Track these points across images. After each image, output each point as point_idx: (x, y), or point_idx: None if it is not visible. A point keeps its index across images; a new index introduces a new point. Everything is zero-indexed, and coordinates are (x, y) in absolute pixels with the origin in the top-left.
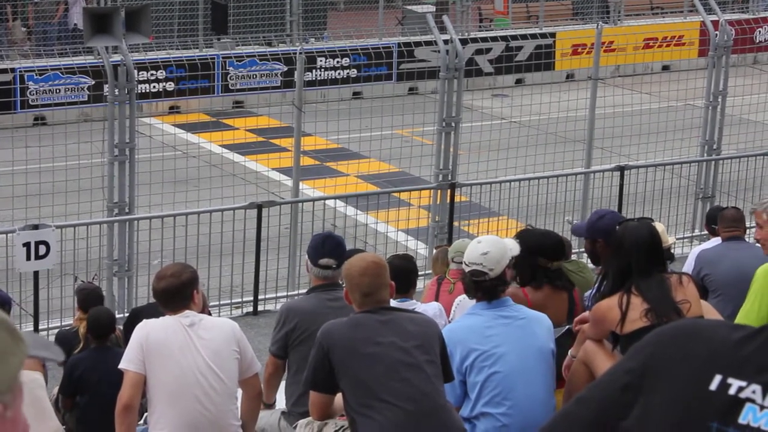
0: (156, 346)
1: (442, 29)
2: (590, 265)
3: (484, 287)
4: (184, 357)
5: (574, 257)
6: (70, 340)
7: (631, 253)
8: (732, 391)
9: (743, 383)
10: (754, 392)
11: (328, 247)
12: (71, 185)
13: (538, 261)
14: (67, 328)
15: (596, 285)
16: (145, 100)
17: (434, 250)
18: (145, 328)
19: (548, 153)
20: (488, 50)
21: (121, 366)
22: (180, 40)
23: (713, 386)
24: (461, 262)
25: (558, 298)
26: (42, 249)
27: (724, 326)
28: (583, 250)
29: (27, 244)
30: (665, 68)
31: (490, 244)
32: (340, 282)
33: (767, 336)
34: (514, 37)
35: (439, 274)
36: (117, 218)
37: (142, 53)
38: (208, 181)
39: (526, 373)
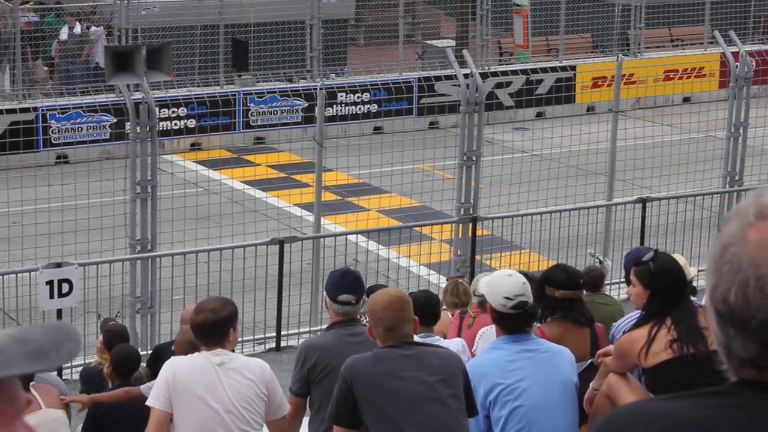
0: (183, 384)
1: (462, 63)
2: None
3: (529, 315)
4: (211, 396)
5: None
6: (94, 377)
7: (660, 287)
8: None
9: None
10: None
11: (347, 283)
12: (94, 223)
13: (545, 290)
14: (92, 365)
15: (624, 320)
16: (166, 138)
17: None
18: (172, 366)
19: (569, 186)
20: (508, 84)
21: (147, 403)
22: (201, 78)
23: None
24: (482, 296)
25: (578, 333)
26: (65, 287)
27: (682, 404)
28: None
29: (50, 282)
30: (686, 100)
31: (519, 275)
32: (360, 317)
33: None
34: (534, 71)
35: (448, 305)
36: (139, 255)
37: (164, 91)
38: (230, 218)
39: (550, 407)
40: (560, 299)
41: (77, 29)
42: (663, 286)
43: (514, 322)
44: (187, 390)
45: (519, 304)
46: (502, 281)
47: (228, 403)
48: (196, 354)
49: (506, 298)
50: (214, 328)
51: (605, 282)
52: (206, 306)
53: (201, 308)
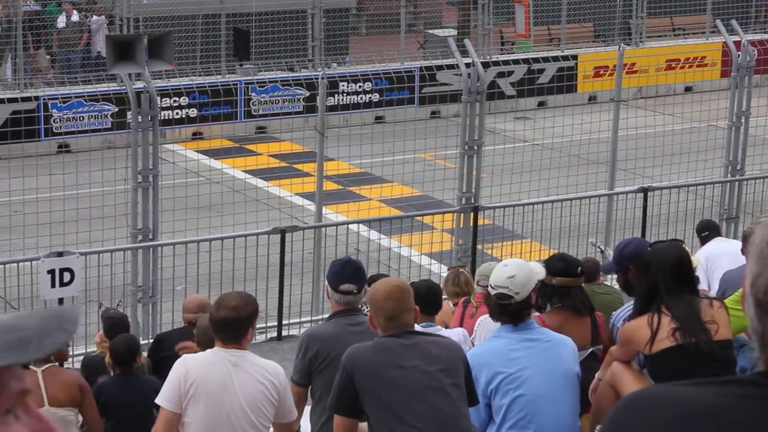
0: (195, 384)
1: (464, 53)
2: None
3: (510, 311)
4: (222, 397)
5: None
6: (96, 365)
7: (657, 274)
8: None
9: None
10: None
11: (348, 273)
12: (95, 212)
13: (543, 279)
14: (93, 353)
15: (624, 308)
16: (168, 127)
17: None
18: (185, 364)
19: (571, 175)
20: (510, 73)
21: (157, 401)
22: (203, 67)
23: None
24: (486, 286)
25: (578, 323)
26: (66, 276)
27: (702, 391)
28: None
29: (51, 272)
30: (688, 89)
31: (517, 268)
32: (361, 307)
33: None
34: (536, 60)
35: (449, 295)
36: (141, 245)
37: (165, 80)
38: (231, 207)
39: (552, 396)
40: (557, 287)
41: (75, 17)
42: (657, 274)
43: (494, 309)
44: (198, 390)
45: (499, 295)
46: (497, 268)
47: (236, 405)
48: (209, 351)
49: (490, 285)
50: (233, 326)
51: None
52: (228, 302)
53: (223, 304)
